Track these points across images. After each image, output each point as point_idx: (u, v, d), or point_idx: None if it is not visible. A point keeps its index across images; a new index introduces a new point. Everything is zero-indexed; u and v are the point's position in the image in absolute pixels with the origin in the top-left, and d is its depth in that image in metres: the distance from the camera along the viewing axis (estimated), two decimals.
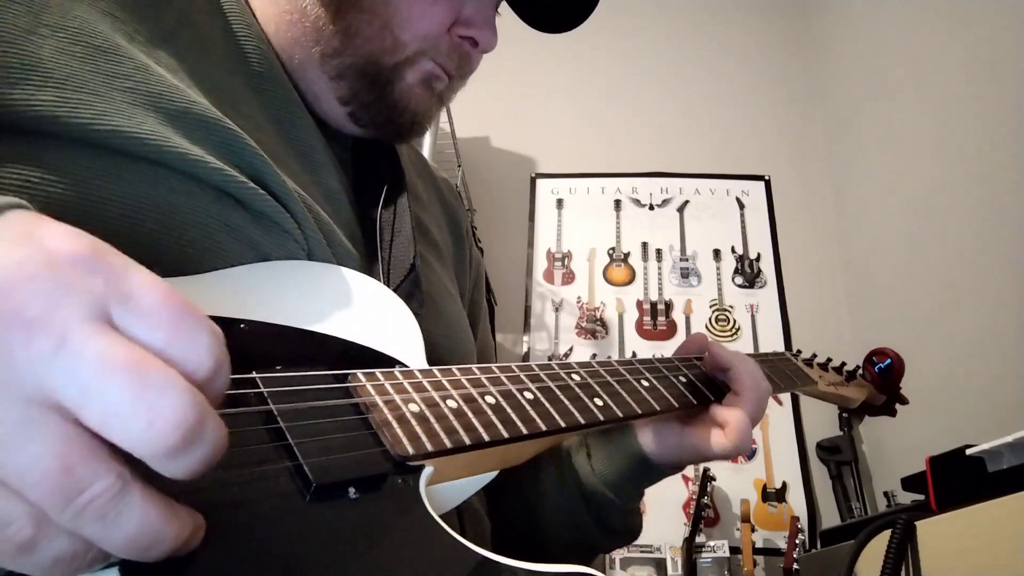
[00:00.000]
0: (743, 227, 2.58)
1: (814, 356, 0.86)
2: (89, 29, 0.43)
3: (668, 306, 2.47)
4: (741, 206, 2.62)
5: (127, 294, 0.26)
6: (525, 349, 2.44)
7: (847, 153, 2.52)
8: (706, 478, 2.02)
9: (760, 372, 0.65)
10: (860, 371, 0.90)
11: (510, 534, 0.68)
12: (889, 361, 0.88)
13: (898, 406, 0.92)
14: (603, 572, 2.03)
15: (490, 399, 0.44)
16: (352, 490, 0.34)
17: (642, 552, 2.03)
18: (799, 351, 0.86)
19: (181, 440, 0.24)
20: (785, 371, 0.76)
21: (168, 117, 0.43)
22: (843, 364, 0.88)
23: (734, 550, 1.98)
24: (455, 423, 0.40)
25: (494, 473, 0.48)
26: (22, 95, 0.38)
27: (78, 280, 0.25)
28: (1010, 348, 1.58)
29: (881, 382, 0.89)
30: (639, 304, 2.48)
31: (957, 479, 0.97)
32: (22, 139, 0.39)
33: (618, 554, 2.03)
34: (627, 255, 2.56)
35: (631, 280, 2.52)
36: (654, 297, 2.49)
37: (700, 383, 0.63)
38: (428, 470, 0.38)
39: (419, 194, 0.74)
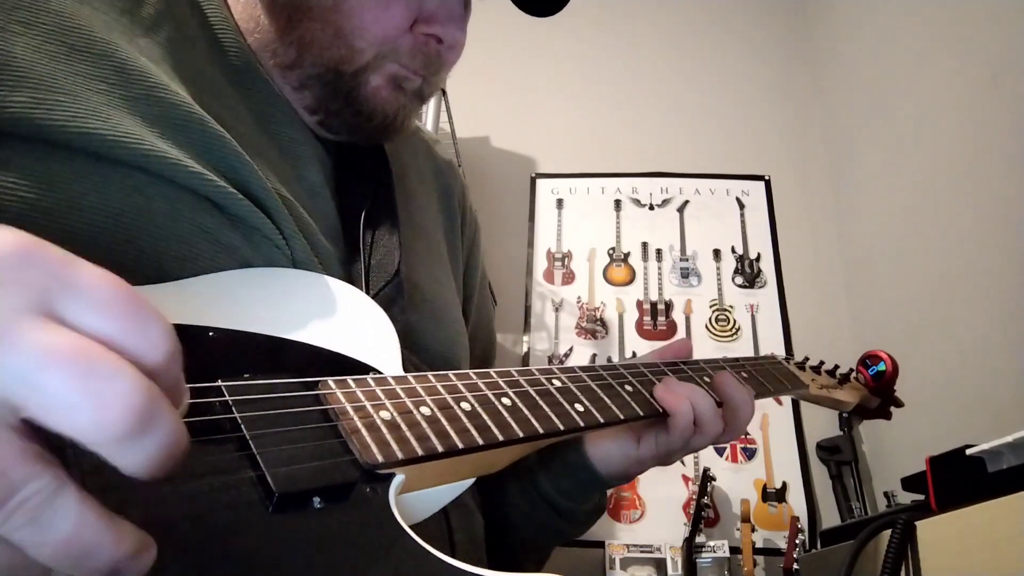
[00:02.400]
0: (743, 227, 2.58)
1: (806, 359, 0.85)
2: (65, 24, 0.42)
3: (668, 306, 2.46)
4: (741, 206, 2.62)
5: (73, 284, 0.25)
6: (525, 349, 2.44)
7: (847, 153, 2.51)
8: (706, 478, 2.02)
9: (708, 413, 0.62)
10: (854, 374, 0.89)
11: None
12: (883, 364, 0.87)
13: (893, 409, 0.91)
14: (603, 572, 2.03)
15: (466, 405, 0.43)
16: (317, 500, 0.33)
17: (642, 552, 2.03)
18: (791, 356, 0.85)
19: (134, 425, 0.23)
20: (775, 375, 0.75)
21: (146, 119, 0.43)
22: (836, 367, 0.87)
23: (734, 550, 1.98)
24: (428, 430, 0.39)
25: (470, 481, 0.47)
26: None
27: (16, 273, 0.24)
28: (1010, 348, 1.58)
29: (875, 385, 0.88)
30: (639, 304, 2.48)
31: (957, 479, 0.97)
32: None
33: (618, 554, 2.02)
34: (627, 255, 2.56)
35: (631, 280, 2.52)
36: (654, 297, 2.48)
37: None
38: (399, 478, 0.37)
39: (407, 171, 0.72)
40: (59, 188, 0.39)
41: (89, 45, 0.42)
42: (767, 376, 0.73)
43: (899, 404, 0.90)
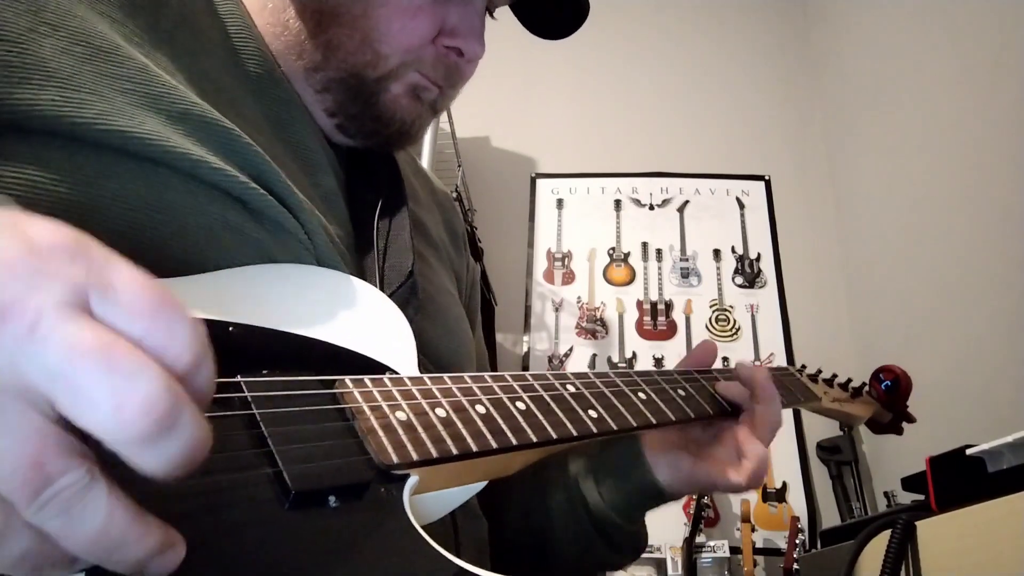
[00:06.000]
0: (743, 227, 2.58)
1: (819, 371, 0.84)
2: (89, 29, 0.43)
3: (668, 306, 2.47)
4: (741, 206, 2.62)
5: (107, 283, 0.26)
6: (525, 349, 2.44)
7: (847, 153, 2.52)
8: None
9: (777, 400, 0.64)
10: (866, 388, 0.88)
11: (517, 554, 0.67)
12: (896, 378, 0.87)
13: (904, 424, 0.91)
14: (603, 572, 2.03)
15: (480, 408, 0.43)
16: (332, 498, 0.33)
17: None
18: (804, 366, 0.84)
19: (152, 427, 0.23)
20: (789, 386, 0.75)
21: (169, 118, 0.44)
22: (849, 380, 0.86)
23: (734, 550, 1.98)
24: (443, 432, 0.39)
25: (482, 484, 0.47)
26: (25, 95, 0.38)
27: (58, 267, 0.25)
28: (1010, 348, 1.58)
29: (887, 400, 0.87)
30: (639, 304, 2.48)
31: (957, 479, 0.97)
32: (24, 138, 0.39)
33: None
34: (627, 255, 2.56)
35: (631, 280, 2.52)
36: (654, 297, 2.48)
37: (700, 398, 0.62)
38: (413, 479, 0.37)
39: (417, 195, 0.74)
40: (87, 183, 0.40)
41: (114, 48, 0.43)
42: (781, 387, 0.73)
43: (911, 420, 0.90)
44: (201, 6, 0.54)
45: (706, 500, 2.01)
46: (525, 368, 2.40)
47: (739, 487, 0.60)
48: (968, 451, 0.94)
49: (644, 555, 2.02)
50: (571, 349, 2.42)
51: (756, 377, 0.64)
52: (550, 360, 2.41)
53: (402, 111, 0.61)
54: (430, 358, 0.60)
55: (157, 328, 0.26)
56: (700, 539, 1.97)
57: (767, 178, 2.65)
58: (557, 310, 2.49)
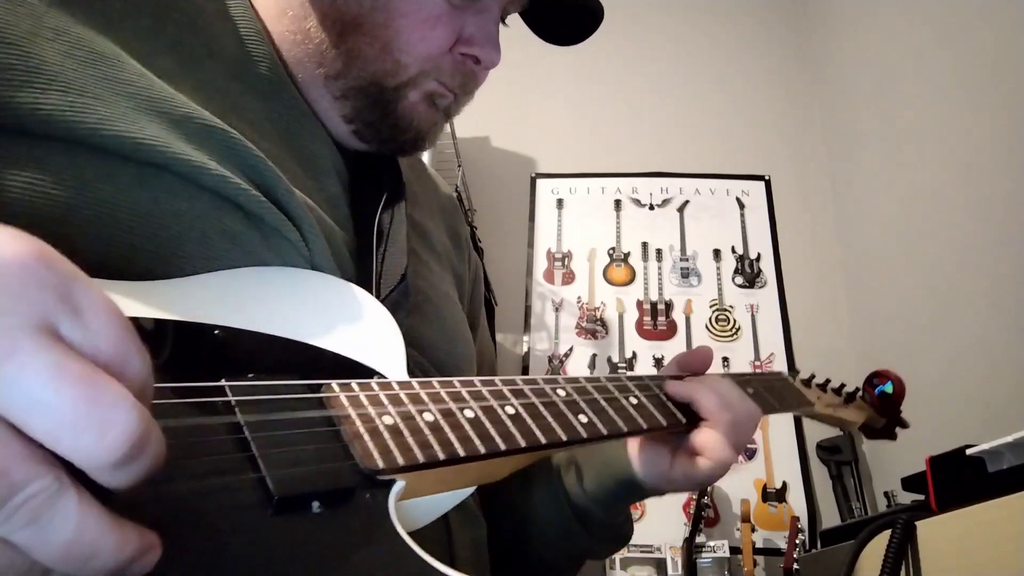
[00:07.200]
0: (743, 227, 2.58)
1: (812, 376, 0.84)
2: (89, 35, 0.43)
3: (668, 306, 2.46)
4: (741, 206, 2.62)
5: (77, 307, 0.26)
6: (525, 349, 2.44)
7: (847, 153, 2.51)
8: None
9: (733, 394, 0.62)
10: (860, 393, 0.88)
11: (501, 545, 0.68)
12: (890, 383, 0.86)
13: (898, 429, 0.91)
14: (603, 572, 2.03)
15: (469, 413, 0.43)
16: (316, 504, 0.33)
17: (642, 552, 2.03)
18: (797, 371, 0.85)
19: (129, 452, 0.24)
20: (781, 392, 0.75)
21: (170, 122, 0.44)
22: (842, 385, 0.85)
23: (734, 550, 1.98)
24: (430, 437, 0.39)
25: (471, 489, 0.47)
26: (27, 98, 0.38)
27: (27, 288, 0.25)
28: (1010, 348, 1.58)
29: (881, 405, 0.87)
30: (639, 304, 2.48)
31: (957, 479, 0.97)
32: (25, 141, 0.39)
33: (618, 554, 2.03)
34: (627, 255, 2.56)
35: (631, 280, 2.52)
36: (654, 297, 2.48)
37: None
38: (399, 485, 0.37)
39: (419, 200, 0.75)
40: (87, 187, 0.40)
41: (115, 54, 0.44)
42: (774, 393, 0.73)
43: (904, 425, 0.89)
44: (212, 10, 0.55)
45: (706, 500, 2.01)
46: (525, 368, 2.40)
47: (710, 475, 0.60)
48: (968, 451, 0.94)
49: (644, 555, 2.02)
50: (571, 349, 2.42)
51: (691, 394, 0.62)
52: (550, 360, 2.41)
53: (419, 118, 0.62)
54: (430, 360, 0.60)
55: (120, 352, 0.26)
56: (700, 539, 1.97)
57: (767, 178, 2.65)
58: (557, 310, 2.49)
